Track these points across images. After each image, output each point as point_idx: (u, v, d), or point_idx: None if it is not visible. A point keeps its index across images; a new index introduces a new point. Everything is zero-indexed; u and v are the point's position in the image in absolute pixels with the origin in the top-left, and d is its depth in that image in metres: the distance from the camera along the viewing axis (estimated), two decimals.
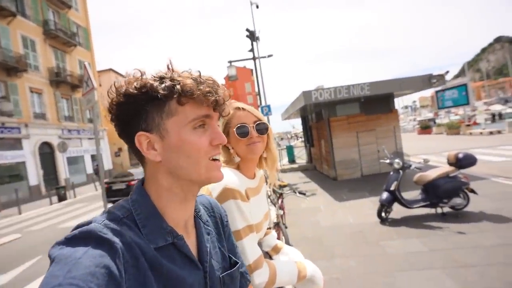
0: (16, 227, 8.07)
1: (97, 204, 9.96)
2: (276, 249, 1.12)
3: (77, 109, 19.28)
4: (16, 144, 14.47)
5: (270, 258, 1.10)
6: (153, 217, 0.52)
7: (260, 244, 1.08)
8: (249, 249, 0.82)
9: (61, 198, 12.41)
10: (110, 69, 28.78)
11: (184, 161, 0.52)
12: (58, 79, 17.38)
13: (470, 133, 17.31)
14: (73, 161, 18.54)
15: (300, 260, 1.00)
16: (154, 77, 0.52)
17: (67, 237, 0.42)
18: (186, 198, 0.56)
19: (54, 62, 17.73)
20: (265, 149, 1.00)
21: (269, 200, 3.82)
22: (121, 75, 30.05)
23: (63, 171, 16.54)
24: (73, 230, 0.44)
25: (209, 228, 0.65)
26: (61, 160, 16.58)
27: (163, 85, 0.50)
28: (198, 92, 0.51)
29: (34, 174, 15.30)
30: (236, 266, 0.65)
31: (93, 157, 20.54)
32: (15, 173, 14.41)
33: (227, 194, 0.83)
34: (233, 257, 0.67)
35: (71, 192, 13.42)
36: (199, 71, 0.55)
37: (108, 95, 0.53)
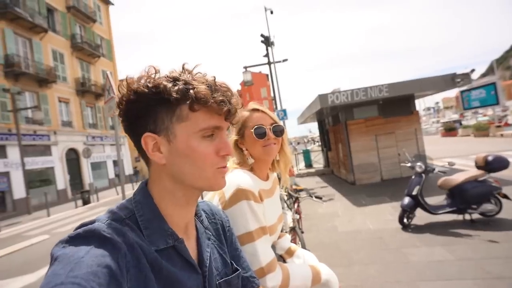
0: (45, 229, 8.53)
1: None
2: (290, 252, 1.09)
3: (100, 116, 20.27)
4: (46, 150, 15.44)
5: (284, 261, 1.08)
6: (155, 219, 0.52)
7: (273, 247, 1.06)
8: (261, 252, 0.80)
9: (85, 202, 13.01)
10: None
11: (189, 168, 0.52)
12: (83, 89, 18.45)
13: (501, 135, 16.18)
14: (96, 167, 19.44)
15: (315, 264, 0.96)
16: (168, 77, 0.51)
17: (70, 236, 0.43)
18: (188, 202, 0.56)
19: (80, 73, 18.86)
20: (279, 152, 1.00)
21: (285, 204, 3.76)
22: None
23: (87, 176, 17.40)
24: (76, 229, 0.44)
25: (209, 233, 0.64)
26: (85, 166, 17.46)
27: (176, 88, 0.48)
28: (212, 100, 0.50)
29: (62, 179, 16.20)
30: (236, 273, 0.64)
31: (115, 163, 21.41)
32: (45, 178, 15.34)
33: (240, 194, 0.82)
34: (234, 264, 0.66)
35: (94, 196, 14.03)
36: (214, 77, 0.54)
37: (118, 89, 0.52)
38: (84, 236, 0.42)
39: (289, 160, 1.03)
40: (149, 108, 0.50)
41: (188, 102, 0.49)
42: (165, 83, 0.49)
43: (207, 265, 0.58)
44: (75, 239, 0.42)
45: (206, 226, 0.65)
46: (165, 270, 0.49)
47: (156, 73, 0.51)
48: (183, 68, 0.53)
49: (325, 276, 0.93)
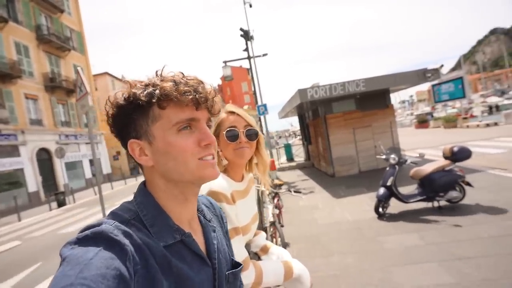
0: (15, 234, 8.04)
1: (97, 208, 9.93)
2: (265, 250, 1.13)
3: (73, 114, 19.21)
4: (13, 151, 14.41)
5: (259, 258, 1.11)
6: (160, 216, 0.53)
7: (249, 245, 1.09)
8: (235, 251, 0.83)
9: (61, 204, 12.37)
10: (106, 73, 28.65)
11: (172, 163, 0.53)
12: (53, 85, 17.31)
13: (467, 126, 17.38)
14: (71, 166, 18.50)
15: (287, 260, 1.01)
16: (141, 85, 0.54)
17: (78, 237, 0.43)
18: (186, 199, 0.57)
19: (49, 68, 17.64)
20: (256, 155, 1.02)
21: (267, 199, 3.82)
22: (116, 78, 29.86)
23: (61, 176, 16.50)
24: (83, 230, 0.45)
25: (214, 226, 0.65)
26: (59, 166, 16.54)
27: (145, 92, 0.52)
28: (176, 93, 0.51)
29: (33, 181, 15.26)
30: (240, 267, 0.66)
31: (91, 162, 20.47)
32: (14, 180, 14.35)
33: (212, 197, 0.83)
34: (233, 258, 0.68)
35: (70, 198, 13.39)
36: (181, 72, 0.56)
37: (105, 108, 0.55)
38: (92, 238, 0.43)
39: (266, 163, 1.05)
40: (127, 117, 0.53)
41: (155, 101, 0.51)
42: (134, 90, 0.52)
43: (216, 257, 0.59)
44: (83, 241, 0.42)
45: (210, 219, 0.66)
46: (174, 267, 0.49)
47: (132, 85, 0.54)
48: (156, 74, 0.56)
49: (297, 271, 0.98)
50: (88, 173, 20.12)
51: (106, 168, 22.26)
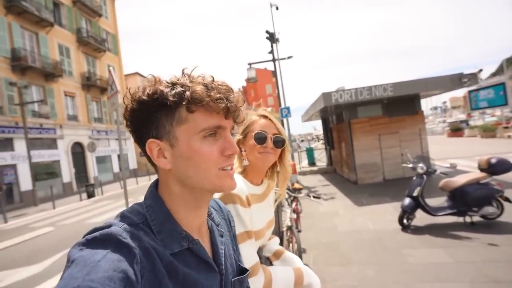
0: (49, 221, 8.70)
1: (122, 201, 10.45)
2: (277, 255, 1.11)
3: (105, 111, 20.43)
4: (52, 144, 15.67)
5: (271, 263, 1.10)
6: (167, 223, 0.52)
7: (261, 249, 1.08)
8: (245, 255, 0.82)
9: (90, 195, 13.19)
10: (136, 73, 30.16)
11: (193, 170, 0.51)
12: (89, 83, 18.59)
13: (509, 136, 15.94)
14: (101, 160, 19.69)
15: (298, 267, 0.98)
16: (167, 83, 0.52)
17: (87, 239, 0.43)
18: (198, 205, 0.55)
19: (86, 67, 18.98)
20: (279, 163, 1.01)
21: (286, 202, 3.78)
22: (146, 78, 31.29)
23: (92, 169, 17.64)
24: (92, 232, 0.45)
25: (222, 230, 0.64)
26: (90, 159, 17.70)
27: (173, 92, 0.49)
28: (208, 98, 0.49)
29: (67, 172, 16.46)
30: (247, 273, 0.64)
31: (119, 157, 21.63)
32: (51, 171, 15.60)
33: (226, 198, 0.84)
34: (240, 264, 0.66)
35: (99, 190, 14.23)
36: (212, 76, 0.54)
37: (123, 101, 0.53)
38: (101, 240, 0.43)
39: (288, 174, 1.03)
40: (150, 114, 0.51)
41: (184, 103, 0.49)
42: (162, 88, 0.50)
43: (223, 262, 0.58)
44: (92, 242, 0.42)
45: (218, 223, 0.65)
46: (181, 274, 0.49)
47: (156, 81, 0.52)
48: (183, 73, 0.54)
49: (308, 278, 0.96)
50: (116, 168, 21.26)
51: (133, 164, 23.40)
